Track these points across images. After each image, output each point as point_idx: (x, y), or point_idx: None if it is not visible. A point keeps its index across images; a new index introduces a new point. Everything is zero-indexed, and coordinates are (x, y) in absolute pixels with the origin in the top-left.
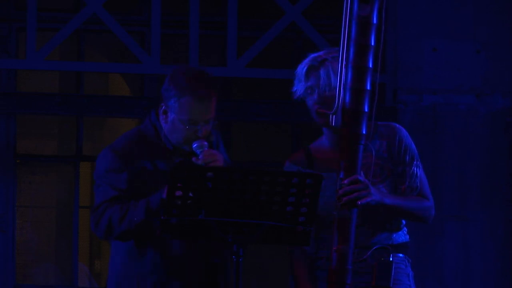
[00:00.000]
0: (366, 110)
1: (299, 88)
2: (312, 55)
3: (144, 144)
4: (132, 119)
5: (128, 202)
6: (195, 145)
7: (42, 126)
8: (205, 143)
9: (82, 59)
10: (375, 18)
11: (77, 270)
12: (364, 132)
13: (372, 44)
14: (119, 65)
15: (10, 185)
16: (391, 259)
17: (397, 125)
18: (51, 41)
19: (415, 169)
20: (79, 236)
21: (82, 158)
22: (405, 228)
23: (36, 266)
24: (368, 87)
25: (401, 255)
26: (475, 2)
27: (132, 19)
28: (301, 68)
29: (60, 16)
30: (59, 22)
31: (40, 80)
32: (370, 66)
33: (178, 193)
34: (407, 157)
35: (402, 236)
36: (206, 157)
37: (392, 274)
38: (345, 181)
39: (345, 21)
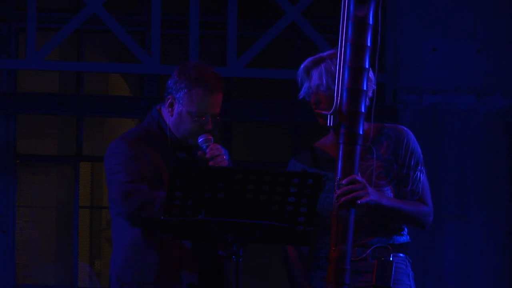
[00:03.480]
0: (362, 110)
1: (302, 89)
2: (313, 56)
3: (150, 139)
4: (132, 119)
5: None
6: (201, 140)
7: (42, 126)
8: (211, 137)
9: (82, 59)
10: (371, 19)
11: (77, 270)
12: (361, 132)
13: (369, 44)
14: (119, 65)
15: (10, 185)
16: (391, 258)
17: (405, 128)
18: (51, 41)
19: (418, 173)
20: (79, 236)
21: (82, 158)
22: (406, 229)
23: (36, 266)
24: (365, 88)
25: (401, 255)
26: (475, 2)
27: (132, 19)
28: (299, 70)
29: (60, 16)
30: (59, 22)
31: (40, 80)
32: (367, 66)
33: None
34: (412, 161)
35: (403, 236)
36: (212, 151)
37: (393, 274)
38: (343, 181)
39: (343, 22)
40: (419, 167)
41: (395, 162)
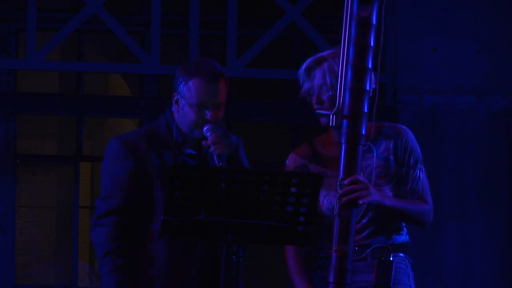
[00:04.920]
0: (365, 110)
1: (302, 89)
2: (314, 56)
3: (153, 138)
4: (132, 119)
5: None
6: (205, 128)
7: (42, 126)
8: (215, 126)
9: (82, 59)
10: (374, 19)
11: (77, 270)
12: (363, 133)
13: (372, 44)
14: (119, 65)
15: (10, 185)
16: (391, 258)
17: (404, 126)
18: (51, 41)
19: (418, 172)
20: (79, 236)
21: (82, 158)
22: (405, 228)
23: (36, 266)
24: (368, 88)
25: (401, 254)
26: (475, 2)
27: (132, 19)
28: (301, 69)
29: (60, 16)
30: (59, 22)
31: (40, 80)
32: (370, 66)
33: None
34: (412, 160)
35: (402, 236)
36: (214, 138)
37: (393, 273)
38: (345, 181)
39: (346, 22)
40: (419, 166)
41: (394, 161)
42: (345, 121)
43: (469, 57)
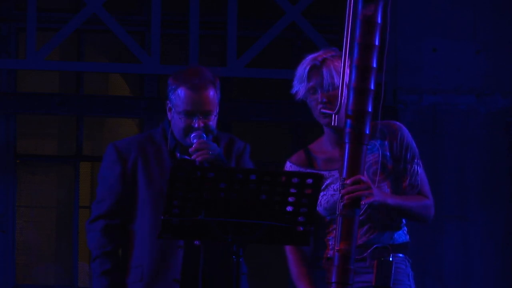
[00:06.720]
0: (370, 110)
1: (300, 89)
2: (311, 55)
3: (147, 144)
4: (132, 119)
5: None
6: (192, 135)
7: (42, 126)
8: (204, 135)
9: (82, 59)
10: (379, 18)
11: (77, 270)
12: (367, 132)
13: (377, 43)
14: (119, 65)
15: (10, 185)
16: (391, 259)
17: (398, 123)
18: (51, 41)
19: (415, 166)
20: (79, 236)
21: (82, 158)
22: (405, 228)
23: (36, 266)
24: (372, 87)
25: (401, 255)
26: (475, 2)
27: (132, 19)
28: (303, 69)
29: (60, 16)
30: (59, 22)
31: (40, 80)
32: (374, 65)
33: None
34: (408, 155)
35: (402, 236)
36: (197, 145)
37: (393, 274)
38: (348, 181)
39: (348, 20)
40: (416, 160)
41: (391, 157)
42: (348, 121)
43: (469, 58)
